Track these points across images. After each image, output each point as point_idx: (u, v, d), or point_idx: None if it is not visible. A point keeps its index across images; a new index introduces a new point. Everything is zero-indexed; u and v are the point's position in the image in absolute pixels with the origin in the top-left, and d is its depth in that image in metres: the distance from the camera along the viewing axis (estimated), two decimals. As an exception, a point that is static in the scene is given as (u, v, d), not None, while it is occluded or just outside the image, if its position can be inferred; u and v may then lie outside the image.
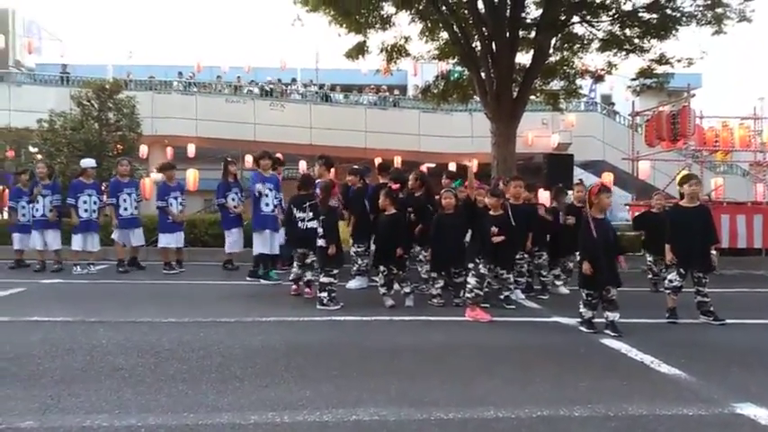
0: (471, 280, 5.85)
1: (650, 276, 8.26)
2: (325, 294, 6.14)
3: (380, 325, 5.51)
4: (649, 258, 8.31)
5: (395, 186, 6.88)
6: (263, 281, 8.05)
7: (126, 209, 9.02)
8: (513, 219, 6.22)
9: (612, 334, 5.11)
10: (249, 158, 22.53)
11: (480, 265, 5.84)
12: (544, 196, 8.94)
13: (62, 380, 3.61)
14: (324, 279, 6.20)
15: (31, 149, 17.63)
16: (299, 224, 6.75)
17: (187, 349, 4.37)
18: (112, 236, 9.23)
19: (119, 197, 8.99)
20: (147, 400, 3.30)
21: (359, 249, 7.70)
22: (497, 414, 3.17)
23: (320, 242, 6.30)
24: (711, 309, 5.81)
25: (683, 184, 6.03)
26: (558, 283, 7.71)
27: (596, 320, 5.33)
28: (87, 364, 3.95)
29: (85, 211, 8.83)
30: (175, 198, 9.22)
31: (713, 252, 5.89)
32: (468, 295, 5.87)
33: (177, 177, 9.68)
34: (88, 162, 9.33)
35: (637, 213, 9.85)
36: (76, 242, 8.76)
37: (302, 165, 22.70)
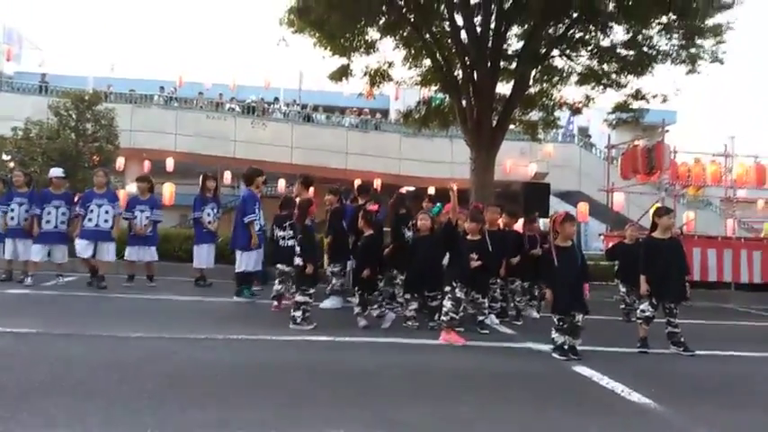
0: (447, 303, 5.84)
1: (623, 306, 8.35)
2: (299, 313, 6.07)
3: (354, 346, 5.45)
4: (622, 289, 8.41)
5: (372, 208, 6.91)
6: (235, 298, 7.93)
7: (91, 219, 8.44)
8: (490, 244, 6.26)
9: (574, 357, 5.19)
10: (228, 174, 22.44)
11: (457, 289, 5.84)
12: (518, 224, 9.01)
13: (19, 394, 3.49)
14: (299, 298, 6.14)
15: (4, 157, 17.30)
16: (281, 242, 7.03)
17: (153, 365, 4.26)
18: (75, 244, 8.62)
19: (87, 207, 8.49)
20: (108, 415, 3.19)
21: (335, 269, 7.66)
22: (468, 438, 3.14)
23: (297, 260, 6.25)
24: (682, 339, 5.88)
25: (660, 216, 6.12)
26: (530, 306, 7.81)
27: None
28: (48, 378, 3.82)
29: (48, 222, 8.48)
30: (141, 211, 8.91)
31: (686, 284, 5.98)
32: (443, 318, 5.85)
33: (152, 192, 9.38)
34: (55, 171, 8.99)
35: (610, 244, 9.99)
36: (35, 252, 8.41)
37: (281, 183, 22.64)
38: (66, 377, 3.85)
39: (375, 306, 6.45)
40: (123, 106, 20.77)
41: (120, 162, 19.30)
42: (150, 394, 3.58)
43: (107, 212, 8.51)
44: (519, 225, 8.30)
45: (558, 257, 5.34)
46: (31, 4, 63.95)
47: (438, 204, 7.21)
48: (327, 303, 7.57)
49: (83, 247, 8.43)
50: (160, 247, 10.38)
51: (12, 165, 14.88)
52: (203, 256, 9.16)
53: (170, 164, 22.04)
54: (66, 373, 3.93)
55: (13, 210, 8.69)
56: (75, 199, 9.01)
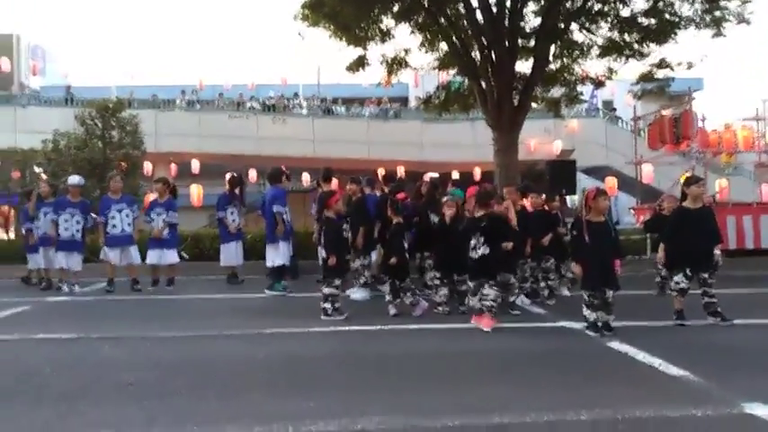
0: (491, 291, 5.71)
1: (658, 280, 8.17)
2: (328, 305, 6.12)
3: (386, 334, 5.49)
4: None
5: (400, 196, 6.93)
6: (267, 292, 8.01)
7: (115, 226, 8.50)
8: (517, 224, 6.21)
9: (607, 333, 5.13)
10: (253, 173, 22.66)
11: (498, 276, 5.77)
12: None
13: (65, 396, 3.60)
14: (326, 290, 6.19)
15: (36, 170, 17.75)
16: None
17: (190, 363, 4.36)
18: (101, 255, 8.75)
19: (107, 215, 8.51)
20: (151, 413, 3.28)
21: (364, 262, 7.69)
22: (505, 420, 3.14)
23: (322, 253, 6.31)
24: (719, 309, 5.76)
25: (689, 185, 6.01)
26: (561, 285, 7.77)
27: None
28: (91, 380, 3.94)
29: (66, 229, 8.45)
30: (158, 214, 8.82)
31: (717, 252, 5.84)
32: (485, 304, 5.69)
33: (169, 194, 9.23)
34: (74, 179, 9.02)
35: (641, 217, 9.81)
36: (59, 260, 8.49)
37: (305, 177, 22.77)
38: (108, 379, 3.96)
39: (408, 294, 6.45)
40: (147, 112, 21.08)
41: (147, 167, 19.62)
42: (189, 392, 3.67)
43: (128, 216, 8.59)
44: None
45: (589, 233, 5.26)
46: (52, 19, 65.25)
47: (458, 188, 7.17)
48: (358, 295, 7.62)
49: (116, 256, 8.50)
50: (191, 248, 10.56)
51: (44, 176, 15.25)
52: (231, 253, 9.26)
53: (195, 165, 22.33)
54: (108, 376, 4.04)
55: (39, 219, 8.85)
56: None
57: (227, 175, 9.80)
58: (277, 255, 8.14)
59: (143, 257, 8.84)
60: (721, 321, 5.68)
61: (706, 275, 5.78)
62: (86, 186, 14.76)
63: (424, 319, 6.11)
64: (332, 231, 6.42)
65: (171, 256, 8.91)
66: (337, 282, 6.24)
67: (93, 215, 8.88)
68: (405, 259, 6.51)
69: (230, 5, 66.63)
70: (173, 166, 22.28)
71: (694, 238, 5.79)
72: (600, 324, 5.23)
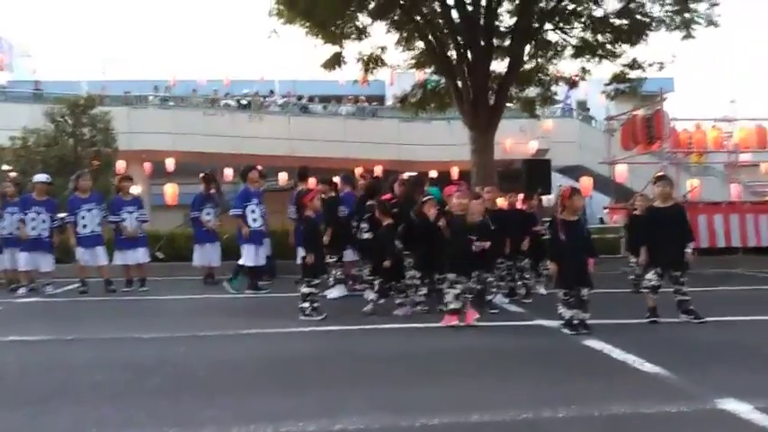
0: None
1: (632, 278, 8.30)
2: (306, 305, 6.09)
3: (363, 334, 5.49)
4: (632, 260, 8.29)
5: (387, 197, 6.94)
6: (225, 285, 8.11)
7: (85, 226, 8.24)
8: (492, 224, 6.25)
9: (583, 331, 5.20)
10: (228, 171, 22.43)
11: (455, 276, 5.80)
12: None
13: (39, 399, 3.52)
14: (304, 289, 6.15)
15: (4, 168, 17.32)
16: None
17: (167, 364, 4.30)
18: (77, 256, 8.47)
19: (77, 214, 8.23)
20: (126, 415, 3.23)
21: (332, 260, 7.66)
22: (482, 418, 3.16)
23: (300, 252, 6.28)
24: (691, 307, 5.88)
25: (654, 184, 6.16)
26: (537, 283, 7.86)
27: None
28: (65, 382, 3.86)
29: (33, 228, 8.18)
30: (129, 212, 8.57)
31: (688, 250, 5.94)
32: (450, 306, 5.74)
33: (133, 192, 9.30)
34: (39, 177, 8.80)
35: (615, 216, 9.96)
36: (23, 261, 8.21)
37: (282, 176, 22.62)
38: (83, 381, 3.88)
39: (402, 295, 6.43)
40: (119, 109, 20.70)
41: (120, 165, 19.28)
42: (166, 393, 3.62)
43: (97, 215, 8.34)
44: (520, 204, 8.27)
45: (564, 232, 5.33)
46: (20, 11, 63.69)
47: (434, 187, 7.21)
48: (334, 293, 7.60)
49: (91, 257, 8.27)
50: (166, 248, 10.40)
51: (13, 174, 14.90)
52: (206, 254, 9.16)
53: (170, 164, 22.01)
54: (82, 378, 3.96)
55: (5, 219, 8.51)
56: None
57: (201, 174, 9.70)
58: (248, 255, 8.11)
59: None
60: (694, 319, 5.79)
61: (678, 274, 5.89)
62: (57, 185, 14.52)
63: (401, 318, 6.12)
64: (309, 230, 6.38)
65: (143, 256, 8.68)
66: (315, 281, 6.20)
67: (61, 214, 8.56)
68: (398, 260, 6.44)
69: None
70: (146, 164, 21.92)
71: (664, 236, 5.90)
72: (576, 322, 5.31)
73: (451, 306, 5.61)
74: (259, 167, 9.31)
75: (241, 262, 8.17)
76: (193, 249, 9.35)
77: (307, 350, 4.84)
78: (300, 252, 6.32)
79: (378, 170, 21.01)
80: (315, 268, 6.21)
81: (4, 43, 31.63)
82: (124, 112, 21.11)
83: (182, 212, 28.24)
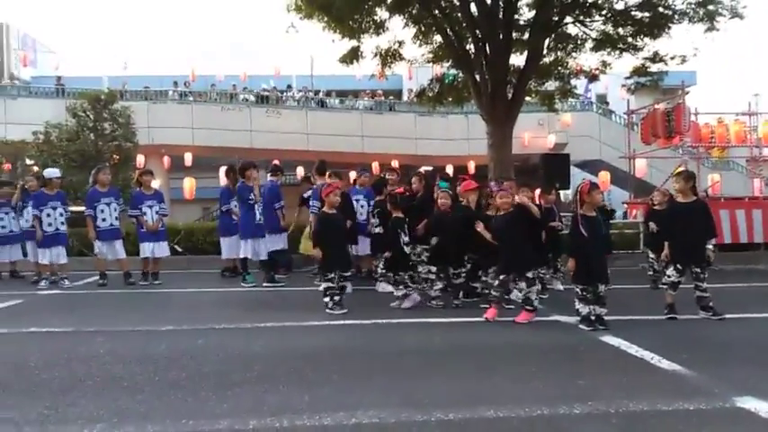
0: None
1: (650, 273, 8.22)
2: (327, 299, 6.13)
3: (380, 328, 5.50)
4: (652, 256, 8.21)
5: (399, 190, 6.98)
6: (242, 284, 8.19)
7: (104, 219, 8.32)
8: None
9: (601, 327, 5.17)
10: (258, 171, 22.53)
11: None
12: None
13: (60, 390, 3.59)
14: (323, 285, 6.22)
15: (28, 162, 17.63)
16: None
17: (185, 356, 4.35)
18: (95, 250, 8.60)
19: (96, 207, 8.32)
20: (145, 407, 3.28)
21: None
22: (498, 414, 3.16)
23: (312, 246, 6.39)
24: (711, 304, 5.80)
25: (674, 179, 6.08)
26: (554, 279, 7.79)
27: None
28: (85, 374, 3.92)
29: (50, 224, 8.34)
30: (150, 207, 8.60)
31: (709, 246, 5.85)
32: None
33: (155, 186, 9.34)
34: (51, 172, 8.89)
35: (634, 211, 9.85)
36: (42, 256, 8.36)
37: (300, 170, 22.71)
38: (102, 372, 3.95)
39: (401, 287, 6.46)
40: (139, 104, 20.96)
41: (140, 159, 19.52)
42: (183, 385, 3.66)
43: (116, 209, 8.44)
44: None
45: (583, 227, 5.28)
46: (42, 8, 64.59)
47: (444, 181, 7.23)
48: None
49: (109, 250, 8.38)
50: (184, 241, 10.50)
51: (36, 168, 15.16)
52: (234, 246, 9.24)
53: (188, 158, 22.22)
54: (102, 369, 4.03)
55: (22, 214, 8.83)
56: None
57: (224, 168, 9.79)
58: (240, 248, 8.39)
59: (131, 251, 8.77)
60: (713, 316, 5.72)
61: (698, 270, 5.81)
62: (78, 179, 14.77)
63: (418, 313, 6.12)
64: (324, 224, 6.42)
65: (164, 249, 8.78)
66: (330, 275, 6.21)
67: (79, 208, 8.73)
68: (402, 252, 6.46)
69: (223, -4, 66.16)
70: (165, 158, 22.16)
71: (684, 231, 5.82)
72: (593, 317, 5.27)
73: (536, 303, 5.70)
74: (275, 162, 9.39)
75: (242, 255, 8.33)
76: (220, 243, 9.41)
77: (323, 344, 4.87)
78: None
79: (394, 164, 21.03)
80: (328, 263, 6.23)
81: (28, 40, 32.12)
82: (144, 107, 21.35)
83: (200, 206, 28.62)
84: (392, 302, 6.44)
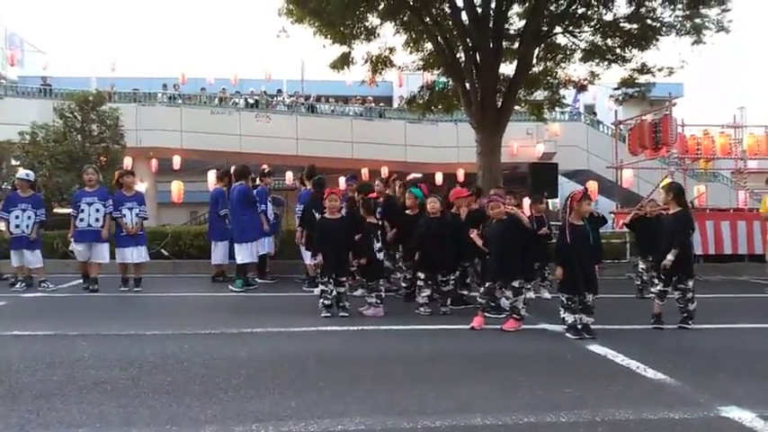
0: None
1: (638, 283, 8.25)
2: (320, 303, 6.21)
3: (367, 335, 5.48)
4: (642, 265, 8.16)
5: (372, 195, 7.07)
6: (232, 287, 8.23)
7: (82, 220, 7.98)
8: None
9: (587, 336, 5.19)
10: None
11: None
12: (526, 205, 9.06)
13: (42, 394, 3.54)
14: (317, 289, 6.30)
15: (13, 162, 17.41)
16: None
17: (170, 361, 4.31)
18: (69, 247, 8.41)
19: (78, 207, 8.01)
20: (129, 412, 3.24)
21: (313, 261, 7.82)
22: (484, 421, 3.15)
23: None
24: (684, 315, 5.83)
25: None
26: (542, 287, 7.86)
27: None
28: (68, 378, 3.87)
29: (17, 226, 8.15)
30: (130, 209, 8.18)
31: (668, 257, 5.77)
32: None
33: (140, 188, 9.26)
34: (22, 173, 8.72)
35: (621, 221, 9.92)
36: (13, 258, 8.23)
37: (289, 175, 22.66)
38: (86, 377, 3.89)
39: (373, 295, 6.42)
40: (127, 106, 20.78)
41: (127, 162, 19.36)
42: (167, 390, 3.63)
43: (98, 211, 8.02)
44: (525, 206, 8.29)
45: (570, 235, 5.30)
46: (31, 7, 64.05)
47: (415, 187, 7.31)
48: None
49: (82, 251, 8.07)
50: (170, 244, 10.42)
51: (21, 170, 14.97)
52: (222, 252, 9.20)
53: (177, 161, 22.09)
54: (86, 374, 3.97)
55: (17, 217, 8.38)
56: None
57: (216, 172, 9.78)
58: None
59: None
60: (680, 322, 5.76)
61: (676, 279, 5.84)
62: (64, 181, 14.60)
63: (405, 320, 6.12)
64: (319, 229, 6.44)
65: (143, 254, 8.38)
66: (324, 279, 6.25)
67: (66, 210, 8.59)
68: (375, 259, 6.45)
69: None
70: (153, 161, 22.01)
71: (665, 242, 5.88)
72: (580, 326, 5.29)
73: (523, 312, 5.71)
74: (264, 166, 9.39)
75: (239, 261, 8.34)
76: (212, 247, 9.36)
77: (309, 350, 4.84)
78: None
79: (384, 171, 21.06)
80: (321, 267, 6.27)
81: (16, 39, 31.84)
82: (132, 109, 21.19)
83: (187, 210, 28.38)
84: (360, 308, 6.42)
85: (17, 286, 8.17)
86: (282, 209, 9.72)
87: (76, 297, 7.73)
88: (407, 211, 7.11)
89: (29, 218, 8.26)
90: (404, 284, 7.50)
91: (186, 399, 3.47)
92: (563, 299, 5.38)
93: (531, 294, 7.38)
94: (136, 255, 8.22)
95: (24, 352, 4.58)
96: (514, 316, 5.66)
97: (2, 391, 3.61)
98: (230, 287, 8.27)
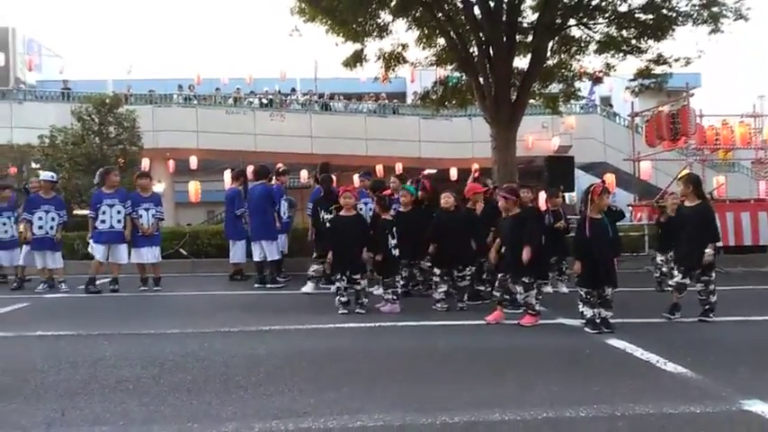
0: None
1: (656, 275, 8.16)
2: (336, 300, 6.27)
3: (384, 331, 5.49)
4: (660, 257, 8.07)
5: (386, 192, 7.06)
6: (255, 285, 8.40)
7: (104, 221, 8.09)
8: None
9: (606, 330, 5.15)
10: (251, 169, 22.60)
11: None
12: (542, 198, 9.01)
13: (66, 393, 3.60)
14: (334, 285, 6.37)
15: (33, 165, 17.71)
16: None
17: (190, 359, 4.36)
18: (89, 248, 8.51)
19: (98, 209, 8.12)
20: (151, 410, 3.28)
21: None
22: (503, 417, 3.15)
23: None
24: (706, 307, 5.76)
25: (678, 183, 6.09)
26: (559, 281, 7.82)
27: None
28: (91, 377, 3.93)
29: (40, 227, 8.26)
30: (146, 209, 8.33)
31: (708, 251, 5.73)
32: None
33: (158, 190, 9.47)
34: (45, 175, 8.83)
35: (639, 214, 9.81)
36: (37, 260, 8.35)
37: (304, 174, 22.74)
38: (108, 376, 3.95)
39: (389, 291, 6.40)
40: (144, 107, 21.01)
41: (145, 163, 19.57)
42: (188, 388, 3.67)
43: (119, 212, 8.16)
44: (541, 200, 8.24)
45: (590, 229, 5.26)
46: (47, 12, 64.93)
47: (409, 184, 7.33)
48: (307, 288, 7.90)
49: (101, 252, 8.14)
50: (188, 244, 10.52)
51: (41, 173, 15.21)
52: (239, 251, 9.27)
53: (193, 162, 22.27)
54: (108, 372, 4.04)
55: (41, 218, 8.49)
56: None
57: (231, 172, 9.87)
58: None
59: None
60: (701, 315, 5.70)
61: (698, 273, 5.77)
62: (83, 183, 14.82)
63: (422, 316, 6.12)
64: (331, 226, 6.48)
65: (156, 254, 8.47)
66: (337, 275, 6.31)
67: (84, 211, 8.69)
68: (390, 256, 6.41)
69: None
70: (170, 162, 22.21)
71: (685, 235, 5.81)
72: (599, 320, 5.25)
73: (538, 307, 5.69)
74: (279, 165, 9.45)
75: (270, 258, 8.48)
76: (229, 246, 9.46)
77: (327, 347, 4.87)
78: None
79: (398, 167, 21.05)
80: (334, 264, 6.31)
81: (34, 44, 32.31)
82: (149, 110, 21.40)
83: (204, 209, 28.60)
84: (378, 304, 6.45)
85: (39, 288, 8.25)
86: (294, 210, 9.74)
87: (97, 297, 7.84)
88: (401, 208, 7.07)
89: (53, 219, 8.39)
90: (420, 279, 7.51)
91: (207, 396, 3.51)
92: (582, 293, 5.35)
93: (548, 289, 7.36)
94: (150, 255, 8.37)
95: (48, 352, 4.67)
96: (529, 312, 5.63)
97: (27, 390, 3.68)
98: (267, 286, 8.40)
